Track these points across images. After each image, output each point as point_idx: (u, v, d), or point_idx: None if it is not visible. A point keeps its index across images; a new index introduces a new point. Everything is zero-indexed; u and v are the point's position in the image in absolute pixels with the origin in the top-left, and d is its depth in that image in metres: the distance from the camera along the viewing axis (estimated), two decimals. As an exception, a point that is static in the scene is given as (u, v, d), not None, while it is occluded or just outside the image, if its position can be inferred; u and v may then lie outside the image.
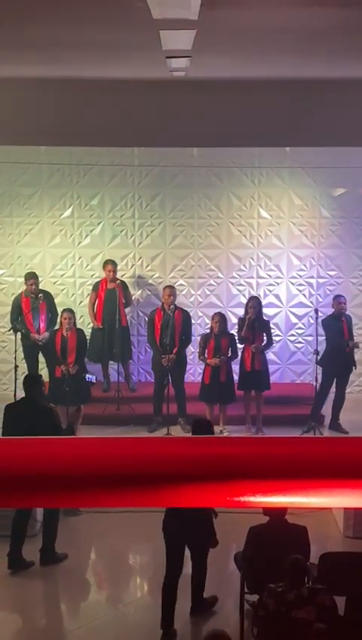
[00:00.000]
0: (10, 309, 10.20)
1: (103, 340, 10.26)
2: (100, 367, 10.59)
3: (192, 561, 6.56)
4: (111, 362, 10.50)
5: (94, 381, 9.06)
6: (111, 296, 10.21)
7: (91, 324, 10.49)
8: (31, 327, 10.01)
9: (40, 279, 10.40)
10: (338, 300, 9.87)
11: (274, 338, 10.28)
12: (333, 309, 9.89)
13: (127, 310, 10.50)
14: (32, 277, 10.09)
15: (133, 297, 10.76)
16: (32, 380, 7.62)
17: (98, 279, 10.67)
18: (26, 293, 10.07)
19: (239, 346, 9.84)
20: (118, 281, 10.26)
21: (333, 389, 9.99)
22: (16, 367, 9.89)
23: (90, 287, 10.83)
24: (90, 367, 10.13)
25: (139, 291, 10.92)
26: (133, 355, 10.76)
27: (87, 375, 9.24)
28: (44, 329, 9.97)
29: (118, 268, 10.52)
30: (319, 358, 9.73)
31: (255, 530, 6.30)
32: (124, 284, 10.41)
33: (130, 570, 7.64)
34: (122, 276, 10.56)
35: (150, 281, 11.00)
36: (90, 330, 10.54)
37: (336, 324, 9.78)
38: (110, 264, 10.32)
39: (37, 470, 2.03)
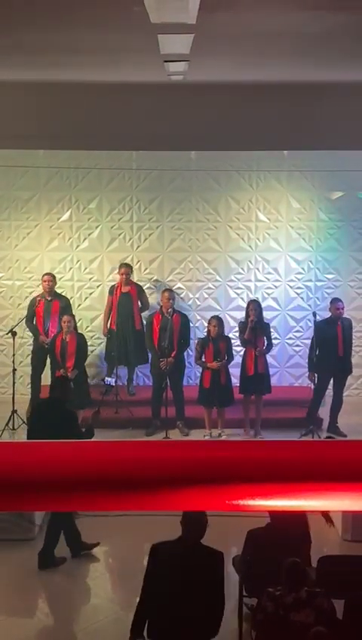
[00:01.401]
0: (27, 309, 10.22)
1: (118, 344, 10.24)
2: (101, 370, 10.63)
3: None
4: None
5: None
6: (125, 299, 10.20)
7: (89, 328, 10.49)
8: (40, 329, 10.02)
9: (38, 282, 10.43)
10: (335, 305, 9.83)
11: (273, 341, 10.28)
12: (330, 313, 9.88)
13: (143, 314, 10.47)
14: (47, 275, 10.16)
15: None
16: (60, 382, 7.82)
17: (98, 283, 10.67)
18: (41, 295, 10.10)
19: (236, 349, 9.84)
20: (128, 285, 10.25)
21: (332, 392, 10.00)
22: (14, 370, 9.90)
23: (89, 291, 10.84)
24: (96, 370, 10.14)
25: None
26: (148, 359, 10.50)
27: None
28: (52, 332, 9.94)
29: (116, 271, 10.55)
30: (313, 362, 9.73)
31: (253, 533, 6.30)
32: (139, 288, 10.41)
33: (128, 573, 7.63)
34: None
35: (149, 285, 10.99)
36: (90, 335, 10.56)
37: (330, 329, 9.73)
38: (124, 267, 10.31)
39: (35, 474, 2.03)
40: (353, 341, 10.34)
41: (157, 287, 10.87)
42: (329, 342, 9.66)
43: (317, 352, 9.72)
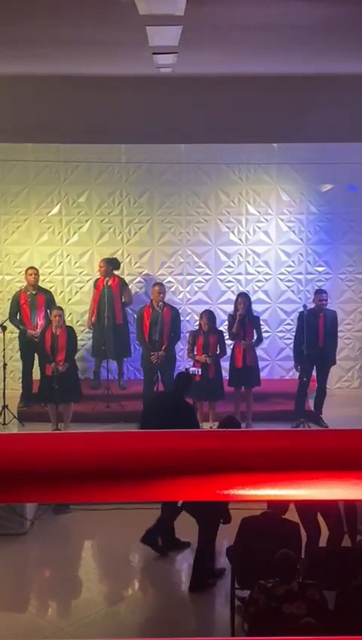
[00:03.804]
0: (9, 305, 10.19)
1: (99, 337, 10.25)
2: (91, 364, 10.62)
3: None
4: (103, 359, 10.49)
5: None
6: (106, 293, 10.18)
7: (79, 322, 10.48)
8: (28, 323, 9.99)
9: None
10: (319, 296, 9.86)
11: (263, 334, 10.29)
12: (314, 304, 9.90)
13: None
14: (31, 268, 10.12)
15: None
16: (184, 377, 8.16)
17: (88, 277, 10.66)
18: (25, 289, 10.06)
19: (228, 342, 9.85)
20: (114, 279, 10.22)
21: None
22: (4, 365, 9.87)
23: (79, 285, 10.83)
24: (85, 364, 10.15)
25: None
26: (131, 353, 10.65)
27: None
28: (41, 326, 9.93)
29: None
30: (298, 353, 9.76)
31: (247, 522, 6.31)
32: (121, 282, 10.38)
33: (120, 566, 7.64)
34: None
35: (139, 278, 10.98)
36: (80, 329, 10.55)
37: (313, 320, 9.73)
38: (102, 261, 10.31)
39: (26, 465, 2.03)
40: (341, 333, 10.36)
41: (146, 282, 10.86)
42: (311, 333, 9.67)
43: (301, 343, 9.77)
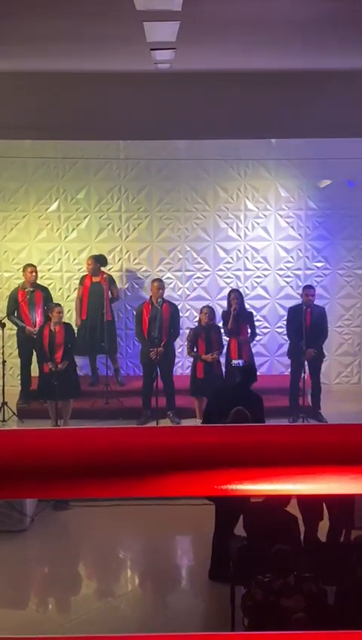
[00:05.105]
0: (7, 302, 10.18)
1: (89, 334, 10.26)
2: (88, 361, 10.61)
3: None
4: (99, 356, 10.51)
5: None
6: (95, 289, 10.18)
7: (74, 319, 10.49)
8: (27, 320, 9.99)
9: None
10: (306, 292, 9.90)
11: (260, 330, 10.29)
12: (301, 300, 9.93)
13: (114, 304, 10.46)
14: (30, 266, 10.11)
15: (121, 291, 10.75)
16: (250, 368, 8.42)
17: (86, 273, 10.67)
18: (22, 286, 10.05)
19: (225, 339, 9.86)
20: (105, 276, 10.24)
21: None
22: (4, 362, 9.87)
23: (77, 282, 10.83)
24: (78, 361, 10.14)
25: (127, 284, 10.92)
26: (119, 349, 10.71)
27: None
28: (40, 322, 9.93)
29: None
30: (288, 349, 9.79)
31: (250, 508, 6.36)
32: (110, 279, 10.38)
33: (120, 563, 7.65)
34: (109, 270, 10.54)
35: (138, 275, 10.99)
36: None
37: (300, 315, 9.75)
38: (89, 258, 10.32)
39: (25, 461, 2.03)
40: (341, 329, 10.36)
41: (145, 278, 10.86)
42: (298, 328, 9.69)
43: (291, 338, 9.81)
